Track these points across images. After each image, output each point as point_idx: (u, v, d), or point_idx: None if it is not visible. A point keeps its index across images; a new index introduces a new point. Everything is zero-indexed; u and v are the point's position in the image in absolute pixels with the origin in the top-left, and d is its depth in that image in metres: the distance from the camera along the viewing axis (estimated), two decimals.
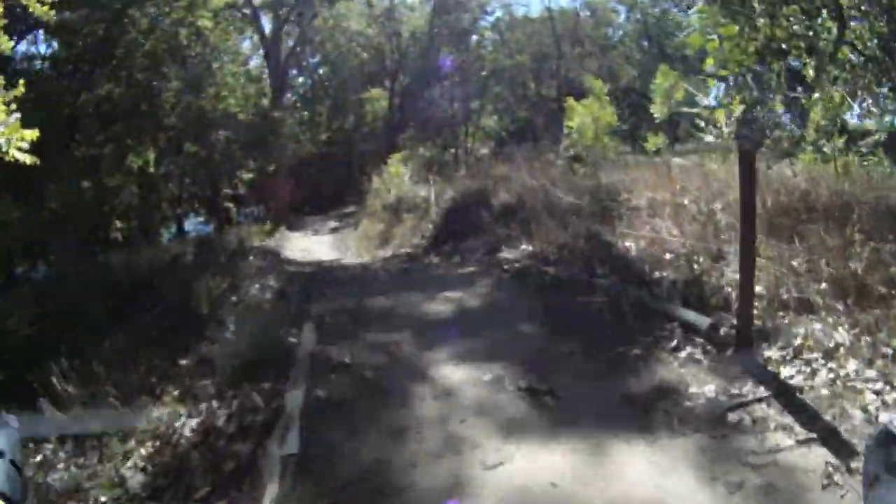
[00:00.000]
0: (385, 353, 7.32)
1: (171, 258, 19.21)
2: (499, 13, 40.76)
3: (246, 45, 31.80)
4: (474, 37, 40.35)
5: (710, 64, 10.20)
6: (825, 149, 10.63)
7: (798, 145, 10.95)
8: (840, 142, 10.93)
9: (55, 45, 20.50)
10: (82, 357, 7.63)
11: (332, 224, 29.77)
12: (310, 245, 23.67)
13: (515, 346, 7.29)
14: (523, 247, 12.77)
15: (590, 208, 12.92)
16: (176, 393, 6.39)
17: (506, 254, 12.79)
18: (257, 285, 11.30)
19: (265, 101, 29.26)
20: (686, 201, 11.42)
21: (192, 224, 33.48)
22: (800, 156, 11.10)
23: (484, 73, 40.15)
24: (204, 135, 21.62)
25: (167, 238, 28.04)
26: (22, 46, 20.13)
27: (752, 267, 6.34)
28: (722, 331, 6.75)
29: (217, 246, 22.76)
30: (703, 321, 6.89)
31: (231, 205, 33.93)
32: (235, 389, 6.30)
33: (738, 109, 9.28)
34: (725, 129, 10.00)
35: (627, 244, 10.65)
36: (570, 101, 17.11)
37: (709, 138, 10.73)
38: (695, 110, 11.39)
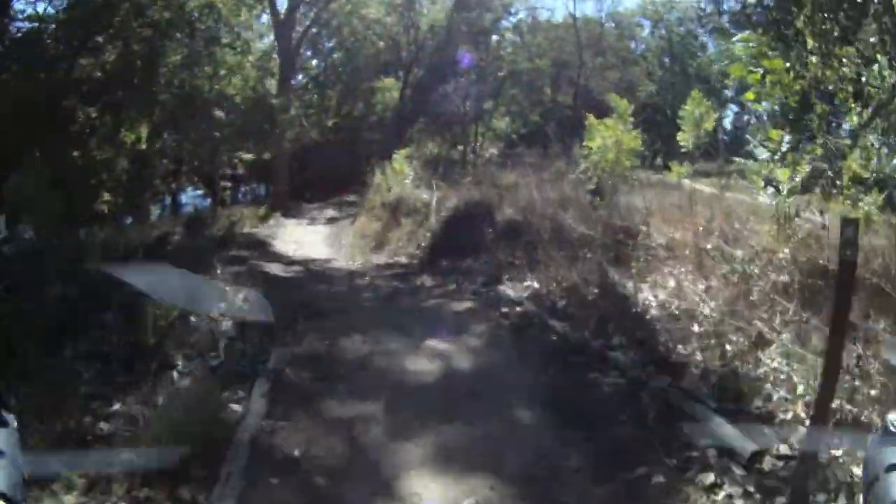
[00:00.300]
0: (348, 442, 5.74)
1: (154, 241, 17.87)
2: (522, 14, 39.17)
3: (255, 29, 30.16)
4: (494, 36, 38.75)
5: (749, 98, 8.85)
6: (861, 203, 9.26)
7: (831, 191, 9.70)
8: (880, 198, 9.54)
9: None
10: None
11: (331, 213, 28.26)
12: (303, 236, 22.22)
13: (510, 446, 5.71)
14: (527, 283, 11.31)
15: (602, 240, 11.48)
16: (81, 483, 4.85)
17: (508, 289, 11.34)
18: (223, 304, 9.76)
19: (273, 82, 27.71)
20: (709, 245, 10.04)
21: (189, 197, 32.10)
22: (830, 204, 9.80)
23: (501, 73, 38.65)
24: (199, 114, 20.05)
25: (158, 213, 26.69)
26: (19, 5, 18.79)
27: (829, 401, 4.83)
28: (767, 461, 5.28)
29: (206, 228, 21.42)
30: (746, 447, 5.37)
31: (229, 184, 32.58)
32: (152, 488, 4.79)
33: (805, 169, 7.87)
34: (785, 188, 8.55)
35: (646, 298, 9.18)
36: (592, 119, 15.45)
37: (763, 198, 9.34)
38: (749, 162, 9.98)
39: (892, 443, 1.66)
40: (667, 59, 42.67)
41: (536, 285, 11.02)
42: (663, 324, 8.18)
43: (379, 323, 9.58)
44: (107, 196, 21.91)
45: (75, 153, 19.93)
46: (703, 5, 40.64)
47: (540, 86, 39.80)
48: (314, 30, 34.27)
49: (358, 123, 37.11)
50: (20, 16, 18.52)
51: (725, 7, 38.84)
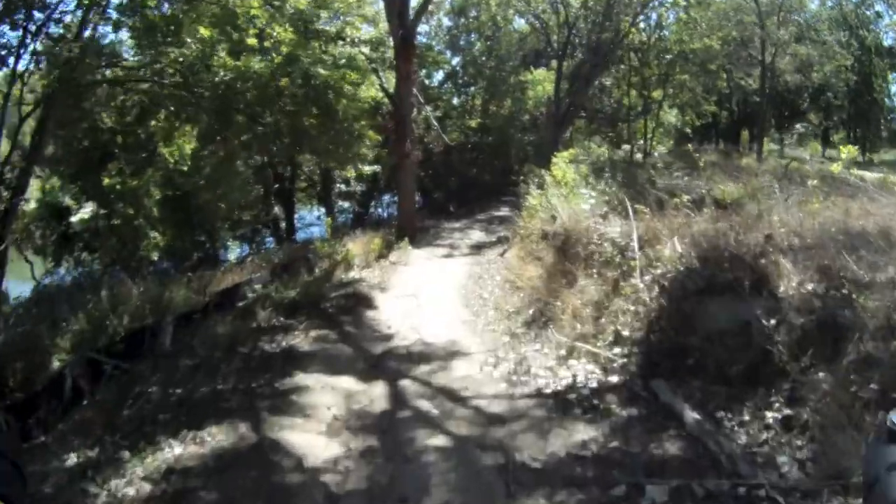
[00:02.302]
0: None
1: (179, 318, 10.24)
2: None
3: None
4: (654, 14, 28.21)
5: None
6: None
7: None
8: None
9: None
10: None
11: (477, 237, 18.98)
12: (429, 284, 13.18)
13: None
14: None
15: None
16: None
17: None
18: None
19: (391, 78, 18.52)
20: None
21: (311, 217, 23.71)
22: None
23: (668, 56, 28.25)
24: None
25: (245, 251, 18.29)
26: None
27: None
28: None
29: (295, 275, 13.07)
30: None
31: (346, 203, 23.84)
32: None
33: None
34: None
35: None
36: None
37: None
38: None
39: (892, 442, 1.40)
40: (843, 33, 32.04)
41: None
42: None
43: None
44: (155, 236, 13.86)
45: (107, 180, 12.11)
46: None
47: (713, 69, 29.11)
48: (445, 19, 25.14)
49: (507, 123, 27.43)
50: None
51: None
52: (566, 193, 13.21)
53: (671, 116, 31.52)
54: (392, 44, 18.03)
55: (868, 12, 33.28)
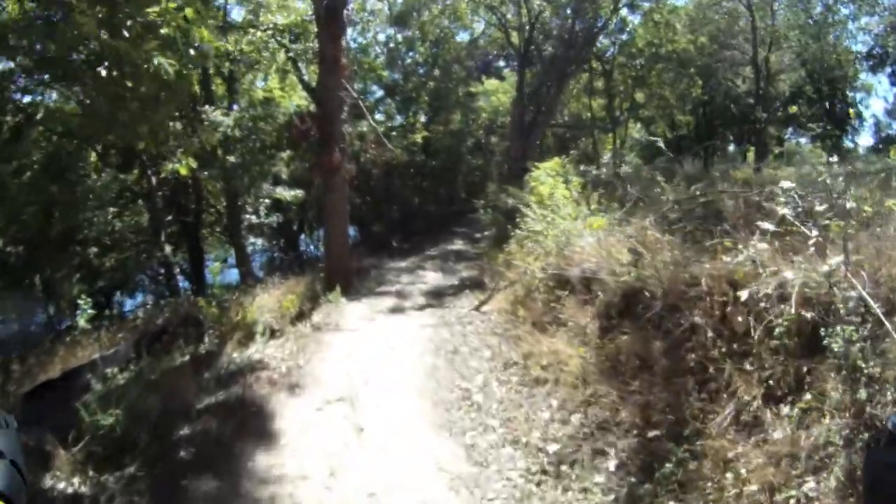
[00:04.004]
0: None
1: None
2: None
3: None
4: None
5: None
6: None
7: None
8: None
9: None
10: None
11: (432, 279, 13.34)
12: (372, 366, 7.36)
13: None
14: None
15: None
16: None
17: None
18: None
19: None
20: None
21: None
22: None
23: (640, 61, 23.12)
24: None
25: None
26: None
27: None
28: None
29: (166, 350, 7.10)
30: None
31: (259, 241, 17.71)
32: None
33: None
34: None
35: None
36: None
37: None
38: None
39: (893, 442, 1.35)
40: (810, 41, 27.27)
41: None
42: None
43: None
44: None
45: None
46: None
47: (692, 72, 23.83)
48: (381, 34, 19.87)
49: (455, 142, 21.85)
50: None
51: None
52: (581, 217, 8.05)
53: (635, 132, 26.61)
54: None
55: (836, 17, 28.92)
